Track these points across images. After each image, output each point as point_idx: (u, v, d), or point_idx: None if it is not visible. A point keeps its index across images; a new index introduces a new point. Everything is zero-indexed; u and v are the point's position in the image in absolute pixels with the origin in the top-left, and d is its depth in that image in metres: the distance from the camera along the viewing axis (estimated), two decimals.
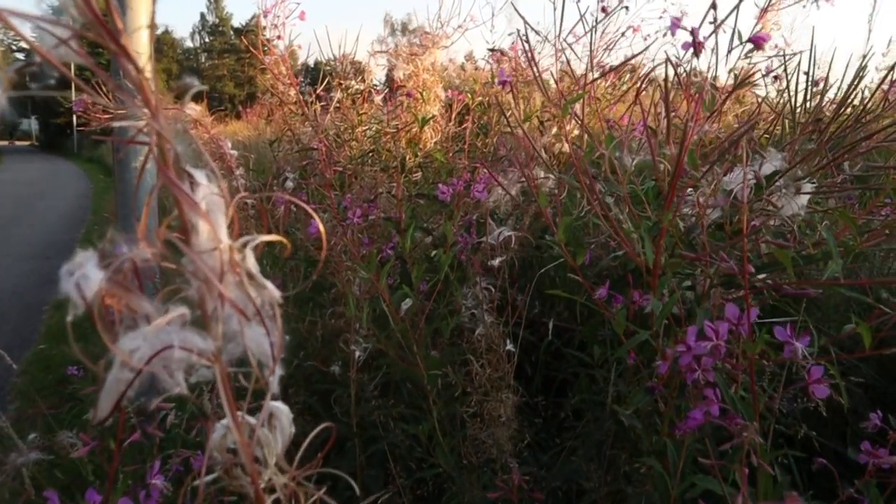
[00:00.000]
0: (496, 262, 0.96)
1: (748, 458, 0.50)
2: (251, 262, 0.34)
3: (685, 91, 0.61)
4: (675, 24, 0.51)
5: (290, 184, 2.11)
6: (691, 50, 0.55)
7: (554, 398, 1.70)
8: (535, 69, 0.94)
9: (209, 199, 0.34)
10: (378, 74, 1.95)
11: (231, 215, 0.34)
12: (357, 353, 1.28)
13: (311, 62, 1.93)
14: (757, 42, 0.48)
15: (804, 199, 0.67)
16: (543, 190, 1.68)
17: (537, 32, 0.93)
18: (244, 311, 0.33)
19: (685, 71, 0.65)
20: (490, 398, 0.90)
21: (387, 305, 1.09)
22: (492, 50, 1.69)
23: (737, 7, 0.65)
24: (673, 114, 0.68)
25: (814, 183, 0.63)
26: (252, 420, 0.37)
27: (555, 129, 1.94)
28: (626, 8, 0.90)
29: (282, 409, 0.36)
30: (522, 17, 0.92)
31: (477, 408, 0.91)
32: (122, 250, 0.34)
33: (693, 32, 0.51)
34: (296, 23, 1.70)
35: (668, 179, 0.57)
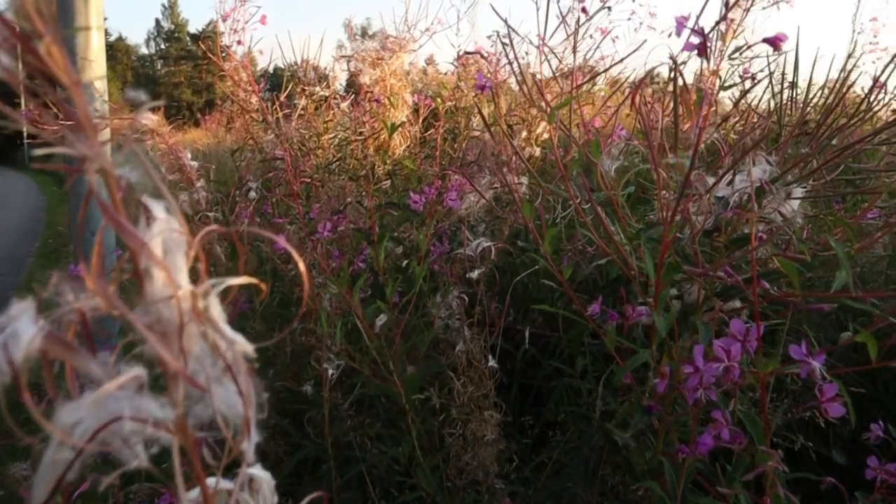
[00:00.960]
0: (475, 274, 0.92)
1: (758, 479, 0.47)
2: (217, 311, 0.29)
3: (684, 94, 0.59)
4: (681, 24, 0.49)
5: (253, 194, 2.04)
6: (694, 52, 0.52)
7: (532, 407, 1.68)
8: (520, 73, 0.90)
9: (167, 237, 0.29)
10: (342, 79, 1.89)
11: (196, 254, 0.30)
12: (330, 371, 1.23)
13: (272, 68, 1.86)
14: (774, 43, 0.45)
15: (795, 204, 0.65)
16: (516, 196, 1.66)
17: (517, 33, 0.90)
18: (209, 368, 0.29)
19: (681, 73, 0.63)
20: (473, 417, 0.86)
21: (360, 322, 1.04)
22: (468, 52, 1.66)
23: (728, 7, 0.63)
24: (668, 118, 0.66)
25: (804, 187, 0.61)
26: (228, 485, 0.32)
27: (524, 133, 1.92)
28: (609, 8, 0.87)
29: (262, 476, 0.32)
30: (503, 19, 0.88)
31: (460, 428, 0.87)
32: (67, 298, 0.28)
33: (701, 32, 0.48)
34: (256, 27, 1.64)
35: (676, 190, 0.54)
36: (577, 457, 0.90)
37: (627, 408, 0.70)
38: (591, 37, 2.10)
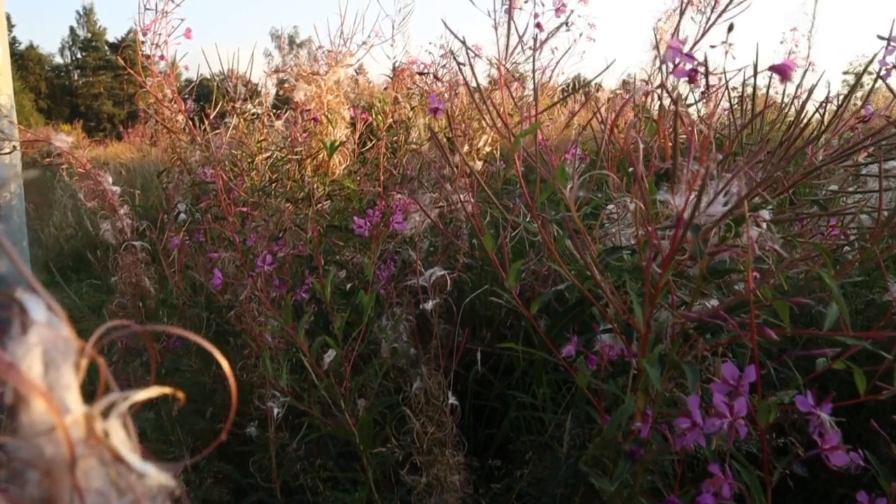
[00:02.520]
0: (429, 305, 0.87)
1: None
2: (121, 437, 0.22)
3: (661, 120, 0.55)
4: (675, 50, 0.45)
5: (182, 216, 1.92)
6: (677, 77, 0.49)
7: (485, 429, 1.64)
8: (479, 95, 0.86)
9: (50, 346, 0.22)
10: (272, 93, 1.80)
11: (86, 363, 0.23)
12: (275, 410, 1.14)
13: (200, 80, 1.75)
14: (783, 71, 0.42)
15: (761, 228, 0.63)
16: (474, 222, 1.61)
17: (473, 51, 0.85)
18: None
19: (676, 101, 0.60)
20: (435, 459, 0.80)
21: (307, 359, 0.96)
22: (421, 73, 1.60)
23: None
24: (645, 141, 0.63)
25: (771, 210, 0.59)
26: None
27: (465, 147, 1.88)
28: (568, 25, 0.84)
29: None
30: (458, 38, 0.83)
31: (421, 474, 0.81)
32: None
33: (691, 57, 0.45)
34: (180, 41, 1.53)
35: (667, 232, 0.50)
36: (544, 491, 0.85)
37: (599, 443, 0.66)
38: (530, 49, 2.09)
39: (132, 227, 1.46)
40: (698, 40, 0.72)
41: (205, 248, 1.38)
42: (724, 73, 0.92)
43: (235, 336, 1.50)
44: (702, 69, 0.44)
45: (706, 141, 0.45)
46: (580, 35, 1.68)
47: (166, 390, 0.24)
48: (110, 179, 1.59)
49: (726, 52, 0.86)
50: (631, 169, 0.62)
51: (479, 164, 1.83)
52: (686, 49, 1.04)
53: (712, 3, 2.26)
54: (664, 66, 1.45)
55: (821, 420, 0.48)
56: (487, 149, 1.84)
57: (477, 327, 1.79)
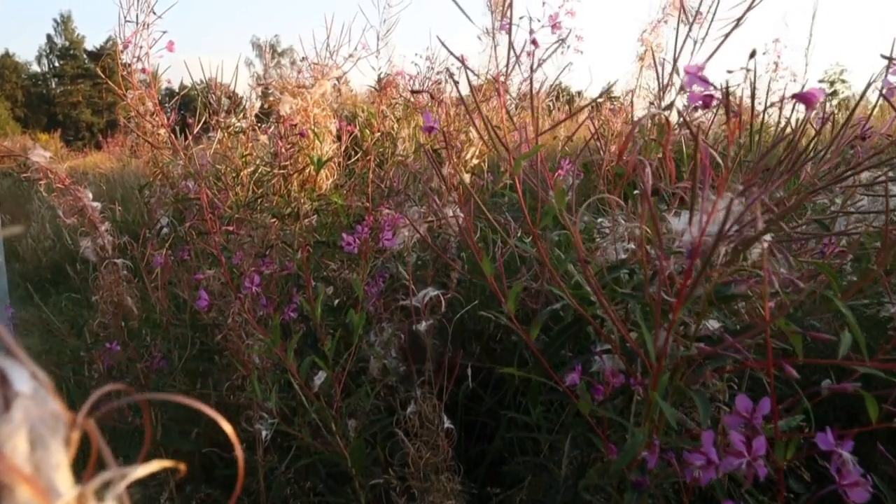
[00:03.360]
0: (423, 326, 0.85)
1: None
2: None
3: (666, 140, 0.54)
4: (693, 75, 0.43)
5: (165, 230, 1.87)
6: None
7: (475, 445, 1.62)
8: (478, 114, 0.84)
9: (36, 421, 0.20)
10: (258, 107, 1.77)
11: (76, 437, 0.21)
12: (263, 433, 1.12)
13: (182, 94, 1.71)
14: (807, 100, 0.41)
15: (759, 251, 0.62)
16: (449, 230, 1.60)
17: (470, 69, 0.84)
18: None
19: (694, 128, 0.59)
20: (431, 486, 0.78)
21: (296, 380, 0.94)
22: (415, 91, 1.59)
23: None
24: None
25: (772, 232, 0.58)
26: None
27: (453, 159, 1.87)
28: (564, 42, 0.83)
29: None
30: (453, 54, 0.82)
31: (418, 501, 0.79)
32: None
33: (708, 82, 0.44)
34: (163, 54, 1.50)
35: (679, 265, 0.49)
36: None
37: (601, 469, 0.65)
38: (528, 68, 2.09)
39: (113, 243, 1.42)
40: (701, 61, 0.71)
41: (189, 265, 1.35)
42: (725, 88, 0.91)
43: (220, 354, 1.47)
44: (717, 94, 0.43)
45: (725, 170, 0.44)
46: (568, 47, 1.68)
47: (166, 464, 0.22)
48: (90, 195, 1.55)
49: (745, 76, 0.86)
50: (636, 191, 0.61)
51: (466, 177, 1.82)
52: (670, 57, 1.04)
53: (696, 15, 2.28)
54: (661, 81, 1.43)
55: (843, 459, 0.48)
56: (475, 161, 1.83)
57: (466, 341, 1.78)
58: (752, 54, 0.46)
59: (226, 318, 1.02)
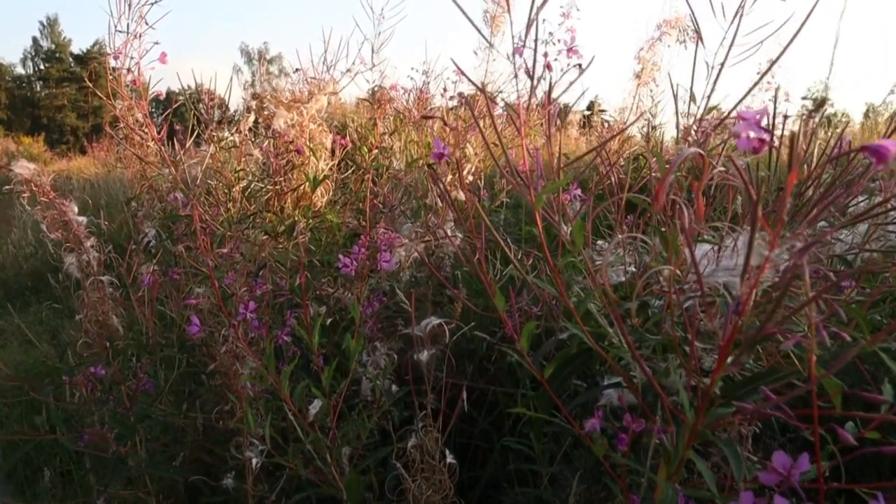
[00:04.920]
0: (424, 356, 0.82)
1: None
2: None
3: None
4: (750, 122, 0.41)
5: (152, 242, 1.83)
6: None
7: (469, 471, 1.59)
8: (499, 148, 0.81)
9: None
10: (251, 120, 1.74)
11: None
12: (254, 461, 1.08)
13: (174, 108, 1.67)
14: (879, 155, 0.38)
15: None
16: (449, 250, 1.57)
17: (487, 94, 0.82)
18: None
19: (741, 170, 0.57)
20: None
21: (291, 410, 0.91)
22: (426, 117, 1.56)
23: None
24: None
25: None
26: None
27: (449, 176, 1.84)
28: (580, 66, 0.81)
29: None
30: (467, 77, 0.79)
31: None
32: None
33: (765, 129, 0.41)
34: (154, 66, 1.46)
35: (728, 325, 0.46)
36: None
37: None
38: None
39: (99, 259, 1.37)
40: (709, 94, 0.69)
41: (178, 284, 1.31)
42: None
43: (210, 375, 1.42)
44: (770, 139, 0.41)
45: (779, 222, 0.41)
46: (568, 64, 1.67)
47: None
48: (76, 209, 1.50)
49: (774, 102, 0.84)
50: (673, 234, 0.58)
51: (462, 195, 1.80)
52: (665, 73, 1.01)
53: (690, 34, 2.28)
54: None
55: None
56: (470, 178, 1.81)
57: (459, 360, 1.75)
58: (777, 92, 0.45)
59: (217, 344, 0.98)
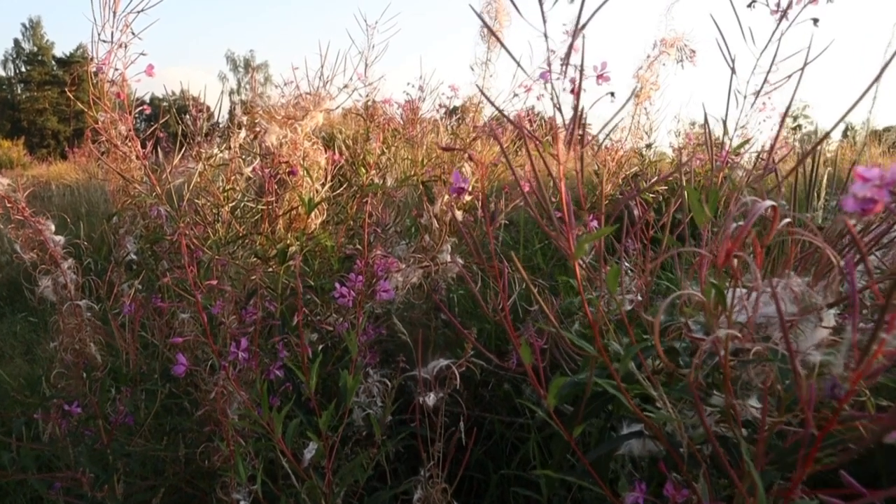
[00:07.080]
0: (430, 399, 0.76)
1: None
2: None
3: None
4: (866, 181, 0.36)
5: (133, 257, 1.75)
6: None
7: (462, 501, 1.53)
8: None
9: None
10: (241, 135, 1.67)
11: None
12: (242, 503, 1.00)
13: (161, 123, 1.60)
14: None
15: (824, 333, 0.56)
16: (450, 275, 1.51)
17: (502, 113, 0.77)
18: None
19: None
20: None
21: (286, 455, 0.84)
22: (446, 149, 1.51)
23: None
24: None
25: (837, 311, 0.52)
26: None
27: (445, 196, 1.79)
28: (613, 94, 0.76)
29: None
30: (490, 99, 0.74)
31: None
32: None
33: (893, 193, 0.36)
34: (141, 78, 1.39)
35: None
36: None
37: None
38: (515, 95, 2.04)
39: (77, 283, 1.29)
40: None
41: (161, 310, 1.24)
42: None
43: (194, 405, 1.35)
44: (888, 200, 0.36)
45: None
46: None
47: None
48: (52, 227, 1.42)
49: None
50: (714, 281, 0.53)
51: (459, 214, 1.75)
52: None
53: (687, 52, 2.26)
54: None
55: None
56: (468, 197, 1.76)
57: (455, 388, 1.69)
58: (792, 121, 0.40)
59: (204, 382, 0.91)
